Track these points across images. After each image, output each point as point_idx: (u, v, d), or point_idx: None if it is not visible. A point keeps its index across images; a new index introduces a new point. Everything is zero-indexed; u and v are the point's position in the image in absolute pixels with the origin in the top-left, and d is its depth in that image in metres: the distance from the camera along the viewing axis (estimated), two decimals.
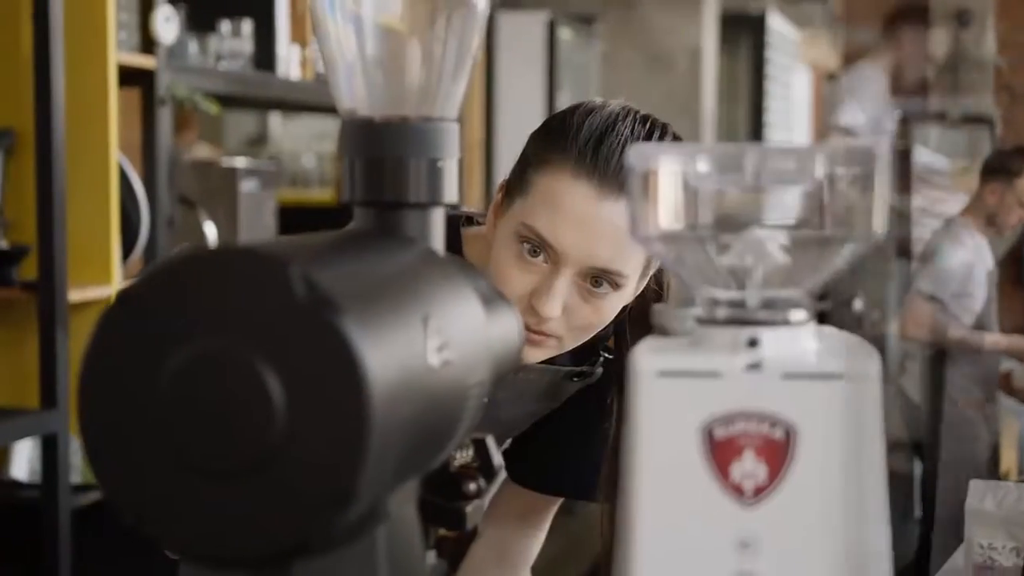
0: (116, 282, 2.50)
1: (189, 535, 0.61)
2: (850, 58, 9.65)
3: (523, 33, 4.74)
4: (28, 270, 2.35)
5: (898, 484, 4.83)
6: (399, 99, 0.79)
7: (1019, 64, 4.58)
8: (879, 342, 4.42)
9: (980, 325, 3.92)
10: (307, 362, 0.59)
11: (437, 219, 0.79)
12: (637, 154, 0.69)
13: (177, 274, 0.61)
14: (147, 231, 2.56)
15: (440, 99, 0.79)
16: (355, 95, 0.79)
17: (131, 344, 0.61)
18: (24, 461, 2.56)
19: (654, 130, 1.27)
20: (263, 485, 0.59)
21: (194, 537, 0.60)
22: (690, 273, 0.70)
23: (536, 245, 1.23)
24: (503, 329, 0.82)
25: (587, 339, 1.30)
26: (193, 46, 2.86)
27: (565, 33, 4.85)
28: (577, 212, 1.21)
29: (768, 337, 0.68)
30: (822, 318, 4.07)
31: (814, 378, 0.66)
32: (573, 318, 1.25)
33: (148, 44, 2.59)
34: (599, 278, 1.24)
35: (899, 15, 4.52)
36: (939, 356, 3.90)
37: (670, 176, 0.69)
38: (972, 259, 4.05)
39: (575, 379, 1.41)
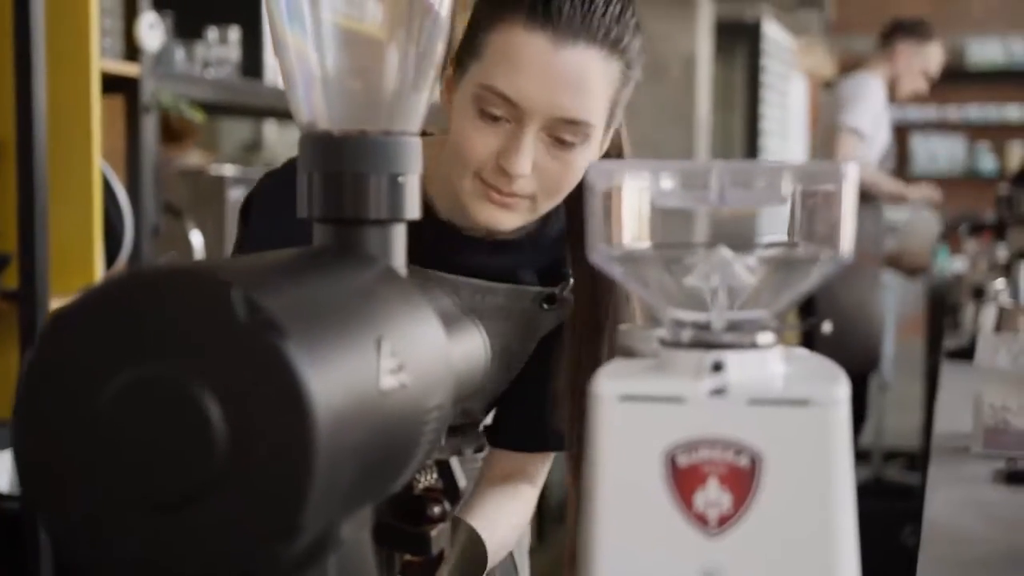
0: None
1: (126, 567, 0.58)
2: (846, 66, 9.64)
3: None
4: (10, 279, 2.32)
5: None
6: (359, 112, 0.76)
7: None
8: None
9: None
10: (249, 388, 0.57)
11: (399, 235, 0.76)
12: (597, 171, 0.67)
13: (116, 295, 0.59)
14: (131, 240, 2.53)
15: (401, 112, 0.77)
16: (313, 108, 0.77)
17: (68, 367, 0.58)
18: (5, 472, 2.54)
19: None
20: (204, 515, 0.57)
21: (131, 569, 0.58)
22: (653, 294, 0.68)
23: (496, 106, 1.21)
24: (466, 348, 0.80)
25: (560, 199, 1.27)
26: (180, 53, 2.84)
27: None
28: (535, 63, 1.20)
29: (733, 361, 0.65)
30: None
31: (780, 404, 0.64)
32: (543, 177, 1.24)
33: (133, 51, 2.57)
34: (564, 136, 1.22)
35: (895, 30, 4.54)
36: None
37: (632, 194, 0.67)
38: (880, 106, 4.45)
39: (545, 306, 1.39)
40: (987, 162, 9.86)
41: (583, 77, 1.20)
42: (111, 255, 2.50)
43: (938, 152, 9.97)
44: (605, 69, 1.22)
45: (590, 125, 1.22)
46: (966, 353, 2.74)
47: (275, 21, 0.77)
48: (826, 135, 4.40)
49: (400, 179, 0.76)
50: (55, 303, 2.32)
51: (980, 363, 1.91)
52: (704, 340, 0.66)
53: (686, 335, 0.67)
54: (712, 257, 0.67)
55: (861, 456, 5.47)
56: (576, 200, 1.28)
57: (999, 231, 4.33)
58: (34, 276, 2.24)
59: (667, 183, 0.66)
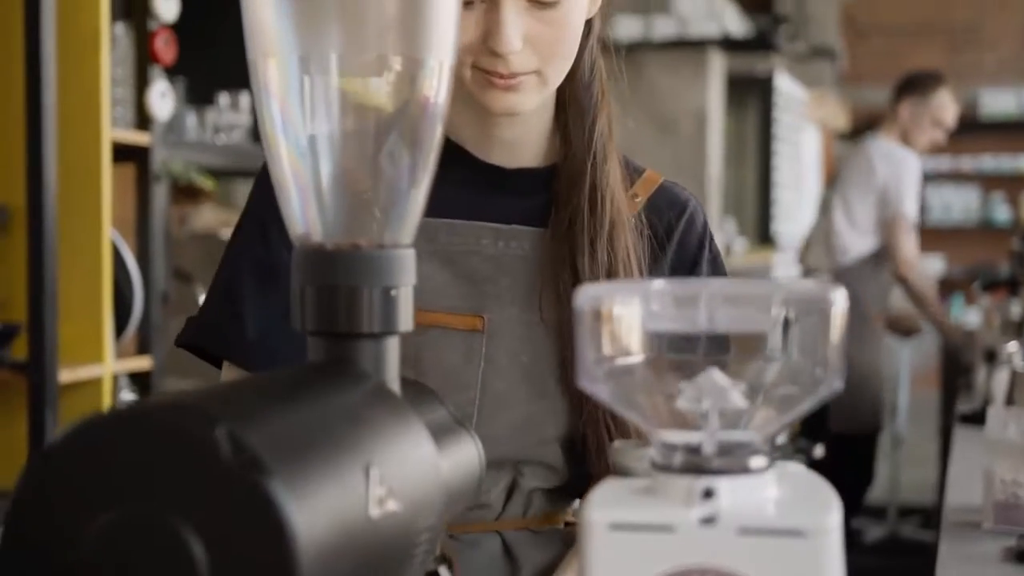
0: (109, 361, 2.47)
1: None
2: (859, 117, 9.66)
3: None
4: (18, 350, 2.33)
5: None
6: (352, 225, 0.76)
7: None
8: None
9: None
10: (233, 527, 0.56)
11: (392, 348, 0.76)
12: (586, 294, 0.67)
13: (101, 433, 0.58)
14: (140, 308, 2.54)
15: (395, 224, 0.77)
16: (307, 220, 0.76)
17: (53, 506, 0.58)
18: None
19: None
20: None
21: None
22: (644, 416, 0.68)
23: None
24: (458, 460, 0.79)
25: (567, 65, 1.20)
26: (191, 119, 2.86)
27: None
28: None
29: (725, 487, 0.65)
30: None
31: (772, 534, 0.63)
32: (539, 45, 1.17)
33: (144, 120, 2.59)
34: None
35: (898, 87, 4.55)
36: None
37: (621, 316, 0.67)
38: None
39: None
40: (1001, 212, 9.85)
41: None
42: (120, 324, 2.51)
43: (952, 202, 9.97)
44: None
45: None
46: (979, 418, 2.72)
47: (267, 131, 0.77)
48: (886, 222, 4.36)
49: (393, 292, 0.75)
50: (64, 374, 2.32)
51: (990, 435, 1.89)
52: (695, 464, 0.66)
53: (677, 459, 0.66)
54: (703, 381, 0.67)
55: (876, 513, 5.43)
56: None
57: (1013, 286, 4.32)
58: (43, 348, 2.25)
59: (656, 305, 0.66)
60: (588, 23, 1.25)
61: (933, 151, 4.70)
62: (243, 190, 5.13)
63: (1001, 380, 2.89)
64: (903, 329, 4.89)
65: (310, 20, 0.75)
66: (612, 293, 0.67)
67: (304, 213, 0.76)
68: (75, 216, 2.40)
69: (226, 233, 3.15)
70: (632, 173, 1.32)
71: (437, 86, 0.77)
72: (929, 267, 9.92)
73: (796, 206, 7.84)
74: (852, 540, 5.14)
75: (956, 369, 4.53)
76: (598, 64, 1.31)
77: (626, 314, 0.67)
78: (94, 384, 2.43)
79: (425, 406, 0.79)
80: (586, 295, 0.67)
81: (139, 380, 2.64)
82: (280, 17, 0.75)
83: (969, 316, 5.30)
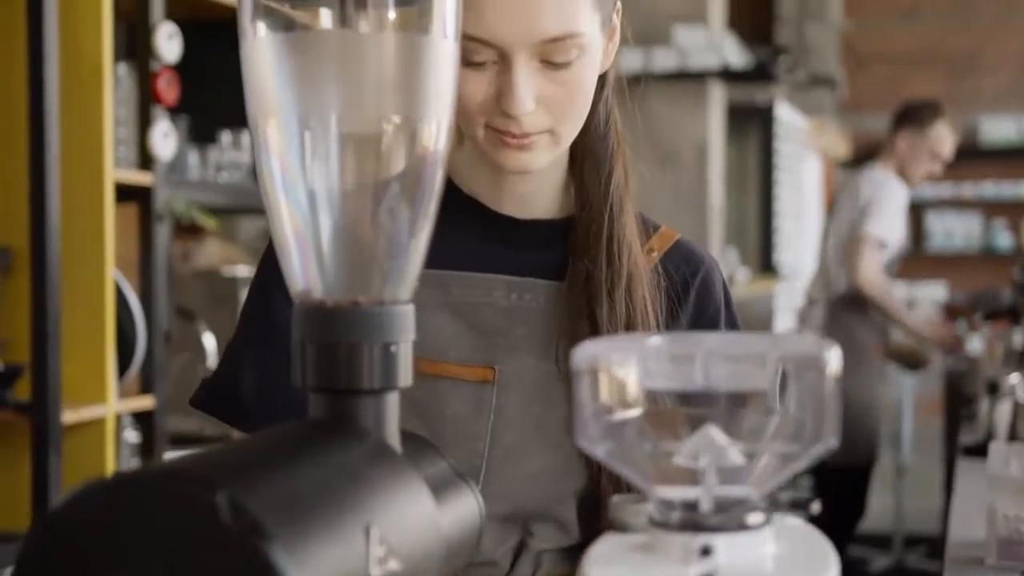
0: (112, 401, 2.48)
1: None
2: (860, 145, 9.70)
3: None
4: (22, 390, 2.33)
5: None
6: (352, 282, 0.77)
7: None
8: None
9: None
10: None
11: (392, 404, 0.77)
12: (582, 353, 0.67)
13: (102, 497, 0.59)
14: (143, 348, 2.54)
15: (394, 280, 0.78)
16: (308, 277, 0.77)
17: (55, 570, 0.59)
18: None
19: None
20: None
21: None
22: (641, 473, 0.68)
23: (475, 52, 1.13)
24: (458, 514, 0.80)
25: (580, 123, 1.18)
26: (193, 157, 2.87)
27: None
28: None
29: (722, 544, 0.65)
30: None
31: None
32: (552, 105, 1.15)
33: (147, 160, 2.60)
34: (555, 58, 1.13)
35: (896, 119, 4.56)
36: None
37: (618, 374, 0.67)
38: (902, 207, 4.47)
39: None
40: (1003, 239, 9.86)
41: None
42: (123, 363, 2.52)
43: (954, 229, 9.98)
44: None
45: (578, 34, 1.13)
46: (982, 450, 2.72)
47: (267, 189, 0.78)
48: (850, 239, 4.36)
49: (393, 348, 0.76)
50: (68, 415, 2.33)
51: (992, 470, 1.89)
52: (692, 521, 0.66)
53: (674, 516, 0.67)
54: (700, 438, 0.67)
55: (882, 542, 5.42)
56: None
57: (1015, 315, 4.31)
58: (46, 389, 2.25)
59: (653, 363, 0.67)
60: (602, 76, 1.24)
61: (932, 177, 4.69)
62: (246, 226, 5.15)
63: (1004, 412, 2.88)
64: (910, 362, 4.86)
65: (309, 81, 0.76)
66: (609, 351, 0.68)
67: (304, 270, 0.77)
68: (78, 256, 2.41)
69: (229, 269, 3.16)
70: (648, 228, 1.31)
71: (435, 144, 0.78)
72: (931, 294, 9.94)
73: (798, 235, 7.86)
74: (856, 570, 5.13)
75: (959, 398, 4.52)
76: (613, 115, 1.29)
77: (623, 372, 0.67)
78: (97, 424, 2.43)
79: (425, 460, 0.79)
80: (583, 353, 0.67)
81: (142, 419, 2.65)
82: (280, 78, 0.76)
83: (973, 343, 5.30)
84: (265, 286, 1.27)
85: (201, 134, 2.91)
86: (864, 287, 4.26)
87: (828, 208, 9.11)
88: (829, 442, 0.66)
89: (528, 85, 1.13)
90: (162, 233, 2.60)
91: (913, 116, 4.51)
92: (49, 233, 2.31)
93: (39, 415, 2.25)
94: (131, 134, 2.58)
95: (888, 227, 4.35)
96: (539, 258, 1.27)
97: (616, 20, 1.24)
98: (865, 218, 4.30)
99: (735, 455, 0.67)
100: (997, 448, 1.93)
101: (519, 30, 1.11)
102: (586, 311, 1.22)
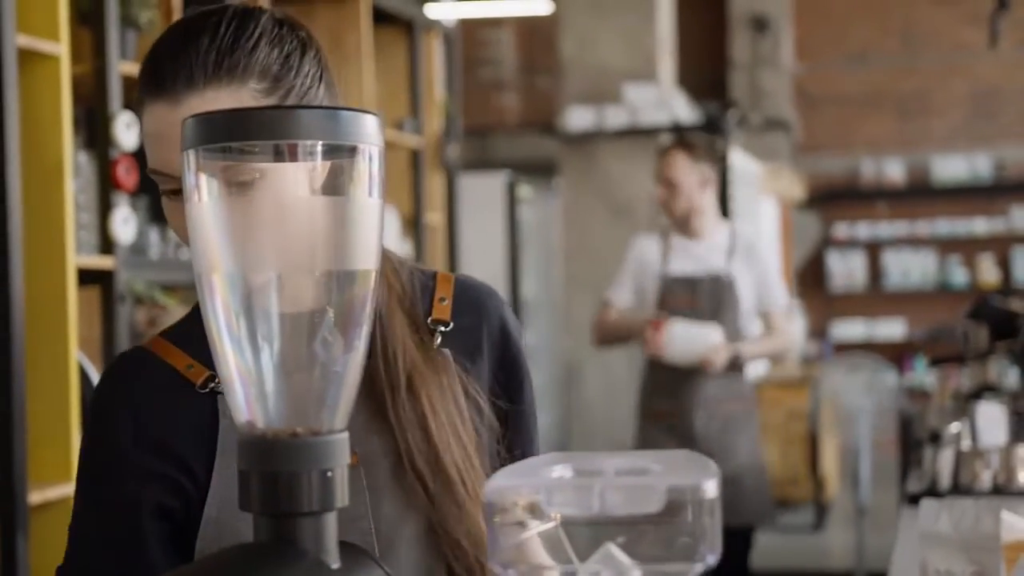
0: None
1: None
2: (815, 185, 9.86)
3: (484, 192, 4.88)
4: None
5: None
6: (291, 414, 0.86)
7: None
8: None
9: None
10: None
11: (330, 523, 0.85)
12: (494, 489, 0.76)
13: None
14: None
15: (330, 410, 0.87)
16: (251, 410, 0.86)
17: None
18: None
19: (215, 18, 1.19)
20: None
21: None
22: None
23: (167, 183, 1.17)
24: None
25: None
26: (154, 235, 2.95)
27: (524, 190, 4.97)
28: (163, 128, 1.16)
29: None
30: None
31: None
32: None
33: (107, 244, 2.68)
34: (239, 179, 1.11)
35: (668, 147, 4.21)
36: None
37: (524, 504, 0.76)
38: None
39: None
40: (959, 275, 10.04)
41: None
42: None
43: (910, 267, 10.15)
44: (233, 99, 1.18)
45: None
46: (929, 496, 2.79)
47: (213, 333, 0.87)
48: None
49: (329, 474, 0.85)
50: (34, 495, 2.39)
51: (924, 527, 1.98)
52: None
53: None
54: (602, 555, 0.76)
55: None
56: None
57: (961, 359, 4.41)
58: (12, 470, 2.32)
59: (556, 498, 0.76)
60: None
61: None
62: None
63: (946, 460, 2.97)
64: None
65: (248, 240, 0.85)
66: (517, 487, 0.76)
67: (247, 404, 0.86)
68: (42, 339, 2.48)
69: None
70: (426, 279, 1.35)
71: (365, 285, 0.87)
72: (890, 331, 10.10)
73: None
74: None
75: (911, 440, 4.59)
76: None
77: (528, 501, 0.76)
78: (64, 503, 2.49)
79: (361, 570, 0.88)
80: (493, 487, 0.76)
81: None
82: (222, 237, 0.85)
83: (930, 378, 5.38)
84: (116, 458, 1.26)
85: (161, 214, 2.99)
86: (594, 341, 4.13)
87: (786, 247, 9.26)
88: (708, 558, 0.75)
89: None
90: (123, 315, 2.67)
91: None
92: (13, 317, 2.38)
93: (6, 498, 2.32)
94: (92, 219, 2.66)
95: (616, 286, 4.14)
96: None
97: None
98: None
99: (635, 572, 0.76)
100: (928, 504, 2.01)
101: (173, 159, 1.15)
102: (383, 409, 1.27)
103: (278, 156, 0.85)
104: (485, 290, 1.38)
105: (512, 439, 1.33)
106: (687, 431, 3.93)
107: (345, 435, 0.86)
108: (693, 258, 3.96)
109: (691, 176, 3.89)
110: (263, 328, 0.85)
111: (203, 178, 0.86)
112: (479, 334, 1.34)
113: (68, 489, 2.51)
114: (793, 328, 3.91)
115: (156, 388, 1.27)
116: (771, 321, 3.95)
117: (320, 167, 0.85)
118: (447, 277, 1.36)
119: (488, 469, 1.28)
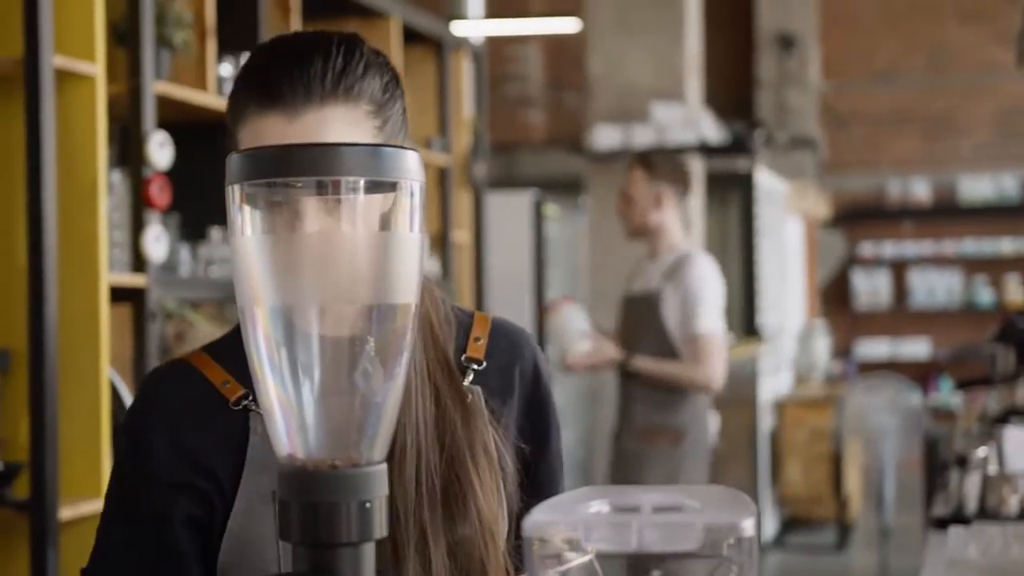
0: None
1: None
2: (841, 204, 9.85)
3: (511, 210, 4.90)
4: (20, 488, 2.42)
5: None
6: (332, 446, 0.87)
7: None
8: None
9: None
10: None
11: (368, 553, 0.87)
12: (533, 524, 0.77)
13: None
14: None
15: (370, 443, 0.88)
16: (292, 442, 0.87)
17: None
18: None
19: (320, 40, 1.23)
20: None
21: None
22: None
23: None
24: None
25: None
26: (185, 253, 2.97)
27: (551, 208, 4.98)
28: (276, 139, 1.19)
29: None
30: None
31: None
32: None
33: (139, 262, 2.71)
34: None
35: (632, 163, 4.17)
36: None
37: (563, 540, 0.77)
38: None
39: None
40: (984, 295, 10.00)
41: (326, 135, 1.20)
42: None
43: (935, 286, 10.11)
44: (349, 117, 1.21)
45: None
46: (955, 521, 2.78)
47: (255, 365, 0.88)
48: None
49: (368, 505, 0.86)
50: (65, 511, 2.41)
51: (952, 554, 1.98)
52: None
53: None
54: None
55: None
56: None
57: (989, 381, 4.39)
58: (44, 486, 2.34)
59: (594, 535, 0.77)
60: None
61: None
62: (235, 309, 5.24)
63: (973, 485, 2.96)
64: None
65: (291, 276, 0.87)
66: (556, 523, 0.77)
67: (288, 436, 0.87)
68: (74, 357, 2.50)
69: None
70: (463, 317, 1.37)
71: (405, 318, 0.89)
72: (915, 350, 10.06)
73: (781, 297, 7.97)
74: None
75: (937, 462, 4.57)
76: None
77: (568, 538, 0.77)
78: (94, 519, 2.51)
79: None
80: (532, 522, 0.77)
81: None
82: (264, 273, 0.87)
83: (955, 398, 5.36)
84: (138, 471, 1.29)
85: (192, 231, 3.02)
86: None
87: (811, 266, 9.24)
88: None
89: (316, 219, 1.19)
90: (154, 332, 2.70)
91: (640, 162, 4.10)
92: (47, 335, 2.41)
93: (38, 513, 2.34)
94: (125, 238, 2.69)
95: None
96: None
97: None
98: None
99: None
100: (956, 532, 2.02)
101: None
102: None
103: (321, 192, 0.87)
104: (520, 333, 1.40)
105: (535, 484, 1.34)
106: (614, 450, 3.99)
107: (383, 467, 0.88)
108: (645, 277, 4.00)
109: (646, 193, 3.93)
110: (304, 359, 0.87)
111: (247, 211, 0.88)
112: (512, 376, 1.35)
113: (99, 505, 2.53)
114: (714, 362, 3.81)
115: (192, 400, 1.29)
116: (694, 346, 3.85)
117: (363, 202, 0.87)
118: (484, 318, 1.38)
119: (509, 506, 1.29)
